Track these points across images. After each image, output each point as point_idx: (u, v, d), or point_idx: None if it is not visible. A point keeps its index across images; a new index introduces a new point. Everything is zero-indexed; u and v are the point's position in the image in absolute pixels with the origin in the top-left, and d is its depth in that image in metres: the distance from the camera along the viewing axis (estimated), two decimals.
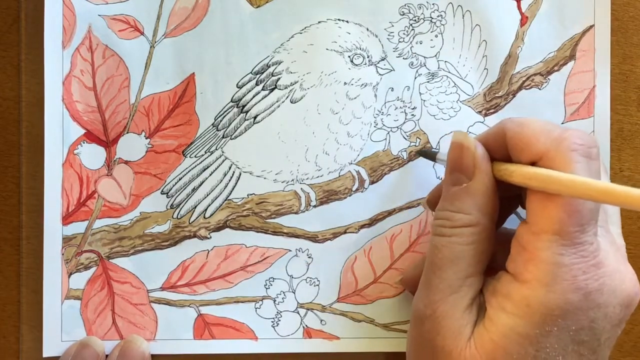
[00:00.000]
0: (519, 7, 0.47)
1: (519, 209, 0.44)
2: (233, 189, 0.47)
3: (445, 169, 0.41)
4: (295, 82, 0.46)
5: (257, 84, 0.46)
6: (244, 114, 0.46)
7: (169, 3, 0.46)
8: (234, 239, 0.47)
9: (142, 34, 0.46)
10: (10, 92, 0.47)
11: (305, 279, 0.47)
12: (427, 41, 0.47)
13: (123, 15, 0.46)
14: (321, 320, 0.47)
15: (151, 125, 0.47)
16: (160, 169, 0.47)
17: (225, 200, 0.47)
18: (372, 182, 0.47)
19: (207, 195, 0.47)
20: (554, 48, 0.47)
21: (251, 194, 0.47)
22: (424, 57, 0.47)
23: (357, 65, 0.46)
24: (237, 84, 0.46)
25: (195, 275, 0.47)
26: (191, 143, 0.47)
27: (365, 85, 0.46)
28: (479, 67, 0.47)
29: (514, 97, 0.47)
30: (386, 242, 0.47)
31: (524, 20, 0.47)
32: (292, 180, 0.47)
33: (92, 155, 0.46)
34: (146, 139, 0.47)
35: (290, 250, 0.47)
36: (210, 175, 0.47)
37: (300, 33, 0.46)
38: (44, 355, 0.46)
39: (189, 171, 0.47)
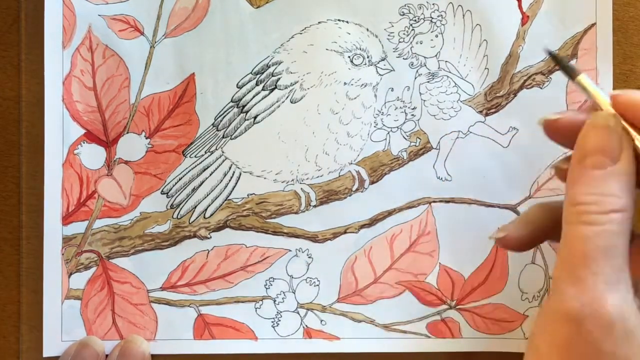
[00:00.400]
0: (519, 6, 0.47)
1: None
2: (233, 189, 0.47)
3: (577, 146, 0.36)
4: (295, 82, 0.46)
5: (257, 84, 0.46)
6: (244, 114, 0.46)
7: (169, 3, 0.46)
8: (234, 239, 0.47)
9: (142, 34, 0.46)
10: (10, 92, 0.47)
11: (305, 279, 0.47)
12: (427, 41, 0.47)
13: (123, 15, 0.46)
14: (321, 321, 0.47)
15: (151, 125, 0.47)
16: (160, 169, 0.47)
17: (225, 200, 0.47)
18: (372, 182, 0.47)
19: (207, 195, 0.47)
20: (556, 47, 0.47)
21: (251, 194, 0.47)
22: (424, 57, 0.47)
23: (357, 65, 0.46)
24: (237, 84, 0.46)
25: (195, 275, 0.47)
26: (191, 143, 0.47)
27: (365, 86, 0.46)
28: (479, 67, 0.47)
29: (515, 96, 0.47)
30: (386, 242, 0.47)
31: (524, 20, 0.47)
32: (292, 180, 0.47)
33: (92, 155, 0.46)
34: (146, 139, 0.47)
35: (290, 250, 0.47)
36: (210, 175, 0.47)
37: (300, 33, 0.46)
38: (44, 355, 0.46)
39: (189, 171, 0.47)
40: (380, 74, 0.46)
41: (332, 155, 0.47)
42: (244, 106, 0.46)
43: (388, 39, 0.46)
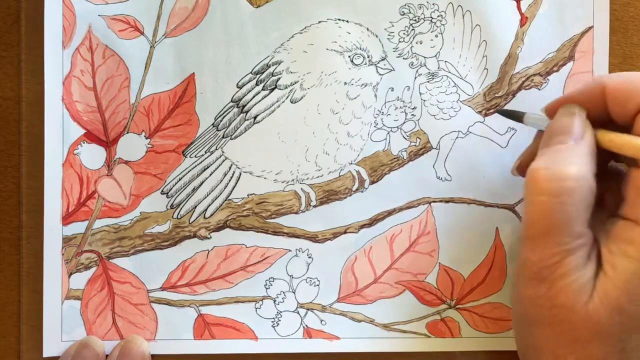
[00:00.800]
0: (518, 8, 0.47)
1: None
2: (233, 189, 0.47)
3: (546, 132, 0.40)
4: (296, 82, 0.46)
5: (257, 84, 0.46)
6: (244, 114, 0.46)
7: (169, 3, 0.46)
8: (234, 239, 0.47)
9: (142, 34, 0.46)
10: (10, 92, 0.47)
11: (306, 279, 0.47)
12: (427, 41, 0.47)
13: (123, 15, 0.46)
14: (321, 320, 0.47)
15: (151, 125, 0.47)
16: (160, 169, 0.47)
17: (225, 200, 0.47)
18: (372, 182, 0.47)
19: (207, 195, 0.47)
20: (554, 48, 0.47)
21: (251, 194, 0.47)
22: (424, 57, 0.47)
23: (357, 65, 0.46)
24: (237, 84, 0.46)
25: (195, 275, 0.47)
26: (191, 143, 0.47)
27: (366, 85, 0.46)
28: (479, 67, 0.47)
29: (514, 97, 0.47)
30: (386, 242, 0.47)
31: (523, 21, 0.47)
32: (292, 180, 0.47)
33: (92, 155, 0.46)
34: (146, 139, 0.47)
35: (290, 250, 0.47)
36: (210, 175, 0.47)
37: (301, 33, 0.46)
38: (44, 355, 0.46)
39: (189, 171, 0.47)
40: (380, 74, 0.47)
41: (332, 155, 0.47)
42: (244, 106, 0.46)
43: (388, 38, 0.47)
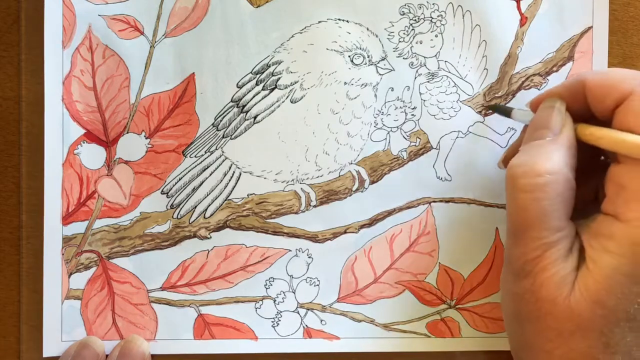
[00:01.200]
0: (518, 8, 0.47)
1: None
2: (233, 189, 0.47)
3: (528, 127, 0.41)
4: (296, 82, 0.46)
5: (257, 84, 0.46)
6: (244, 113, 0.46)
7: (169, 3, 0.46)
8: (234, 239, 0.47)
9: (142, 34, 0.46)
10: (10, 92, 0.46)
11: (305, 279, 0.47)
12: (427, 41, 0.47)
13: (123, 15, 0.46)
14: (321, 320, 0.47)
15: (151, 125, 0.47)
16: (160, 169, 0.47)
17: (225, 200, 0.47)
18: (372, 182, 0.47)
19: (207, 195, 0.47)
20: (553, 49, 0.47)
21: (251, 194, 0.47)
22: (424, 57, 0.47)
23: (357, 65, 0.46)
24: (237, 84, 0.46)
25: (195, 275, 0.47)
26: (191, 143, 0.47)
27: (366, 85, 0.46)
28: (478, 67, 0.47)
29: (514, 97, 0.47)
30: (386, 242, 0.47)
31: (523, 21, 0.47)
32: (292, 180, 0.47)
33: (92, 155, 0.46)
34: (146, 139, 0.47)
35: (290, 250, 0.47)
36: (210, 175, 0.47)
37: (301, 33, 0.46)
38: (44, 355, 0.46)
39: (189, 171, 0.47)
40: (380, 74, 0.47)
41: (332, 155, 0.47)
42: (244, 106, 0.46)
43: (388, 38, 0.47)
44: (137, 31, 0.46)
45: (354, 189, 0.47)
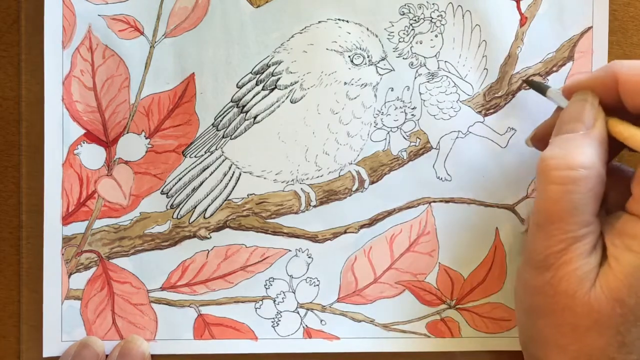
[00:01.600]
0: (518, 8, 0.47)
1: None
2: (233, 189, 0.47)
3: (559, 119, 0.41)
4: (296, 82, 0.46)
5: (257, 84, 0.46)
6: (244, 114, 0.46)
7: (169, 3, 0.46)
8: (234, 239, 0.47)
9: (142, 34, 0.46)
10: (10, 92, 0.46)
11: (305, 279, 0.47)
12: (427, 41, 0.47)
13: (123, 15, 0.46)
14: (321, 320, 0.47)
15: (151, 125, 0.47)
16: (160, 169, 0.47)
17: (225, 200, 0.47)
18: (372, 182, 0.47)
19: (207, 195, 0.47)
20: (553, 49, 0.47)
21: (251, 194, 0.47)
22: (424, 57, 0.47)
23: (357, 65, 0.46)
24: (237, 84, 0.46)
25: (195, 275, 0.47)
26: (191, 143, 0.47)
27: (365, 85, 0.46)
28: (478, 67, 0.47)
29: (514, 97, 0.47)
30: (386, 242, 0.47)
31: (523, 21, 0.47)
32: (292, 180, 0.47)
33: (92, 155, 0.46)
34: (146, 139, 0.47)
35: (290, 250, 0.47)
36: (210, 175, 0.47)
37: (301, 33, 0.46)
38: (44, 355, 0.46)
39: (189, 171, 0.47)
40: (380, 74, 0.47)
41: (332, 155, 0.47)
42: (244, 106, 0.46)
43: (388, 38, 0.47)
44: (137, 31, 0.46)
45: (353, 189, 0.47)
